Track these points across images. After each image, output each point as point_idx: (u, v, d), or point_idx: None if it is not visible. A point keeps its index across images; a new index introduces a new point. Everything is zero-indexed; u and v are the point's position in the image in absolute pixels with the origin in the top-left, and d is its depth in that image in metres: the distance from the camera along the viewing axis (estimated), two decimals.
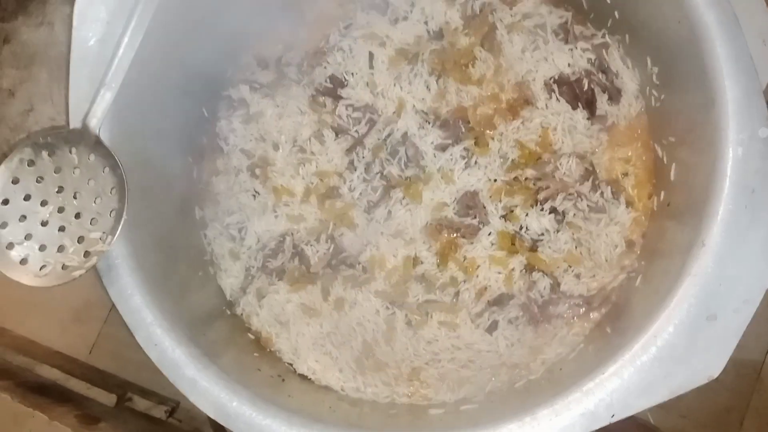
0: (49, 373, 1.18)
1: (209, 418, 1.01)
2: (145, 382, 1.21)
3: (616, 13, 0.84)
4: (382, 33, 0.91)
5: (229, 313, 0.88)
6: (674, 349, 0.64)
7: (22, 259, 0.67)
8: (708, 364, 0.64)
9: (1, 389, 1.09)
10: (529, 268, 0.85)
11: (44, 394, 1.16)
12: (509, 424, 0.65)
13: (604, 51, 0.87)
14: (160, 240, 0.81)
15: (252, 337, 0.87)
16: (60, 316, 1.26)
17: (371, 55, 0.91)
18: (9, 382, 1.13)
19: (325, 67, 0.92)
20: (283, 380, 0.82)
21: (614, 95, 0.86)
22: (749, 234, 0.65)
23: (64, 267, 0.68)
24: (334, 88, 0.91)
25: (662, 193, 0.81)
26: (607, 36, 0.87)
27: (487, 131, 0.88)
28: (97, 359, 1.25)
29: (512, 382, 0.82)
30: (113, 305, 1.27)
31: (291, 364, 0.86)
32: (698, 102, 0.71)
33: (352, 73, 0.91)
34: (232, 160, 0.92)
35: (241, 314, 0.89)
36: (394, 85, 0.90)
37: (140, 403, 1.14)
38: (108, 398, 1.17)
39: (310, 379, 0.85)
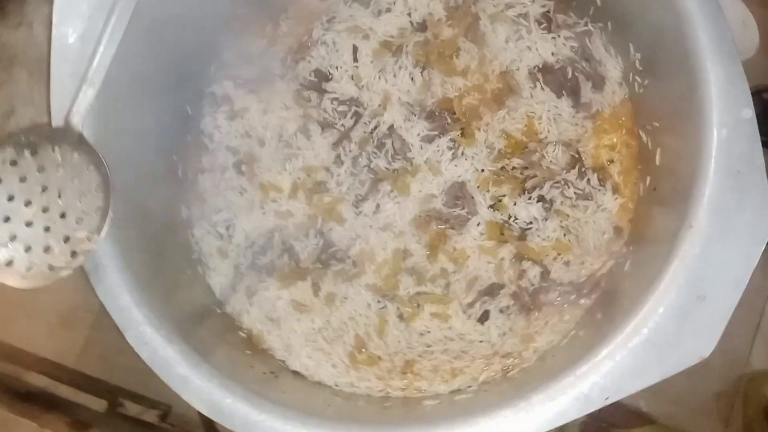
0: (36, 380, 1.17)
1: (202, 422, 1.01)
2: (135, 386, 1.20)
3: (598, 1, 0.84)
4: (365, 26, 0.91)
5: (219, 311, 0.88)
6: (665, 331, 0.65)
7: (8, 261, 0.66)
8: (699, 345, 0.64)
9: None
10: (519, 257, 0.85)
11: (32, 401, 1.14)
12: (504, 411, 0.65)
13: (587, 39, 0.88)
14: (147, 239, 0.80)
15: (243, 335, 0.87)
16: (46, 322, 1.25)
17: (355, 48, 0.90)
18: None
19: (309, 62, 0.91)
20: (277, 377, 0.81)
21: (598, 83, 0.87)
22: (736, 215, 0.66)
23: (50, 267, 0.67)
24: (318, 83, 0.91)
25: (648, 179, 0.82)
26: (589, 24, 0.87)
27: (473, 122, 0.88)
28: (85, 365, 1.24)
29: (505, 371, 0.82)
30: (100, 309, 1.26)
31: (283, 361, 0.86)
32: (682, 87, 0.72)
33: (337, 67, 0.91)
34: (217, 157, 0.92)
35: (232, 312, 0.88)
36: (379, 77, 0.90)
37: (131, 408, 1.13)
38: (98, 404, 1.15)
39: (303, 375, 0.85)
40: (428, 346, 0.85)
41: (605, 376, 0.64)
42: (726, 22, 0.69)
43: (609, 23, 0.85)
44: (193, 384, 0.69)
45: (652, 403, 1.17)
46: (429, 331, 0.85)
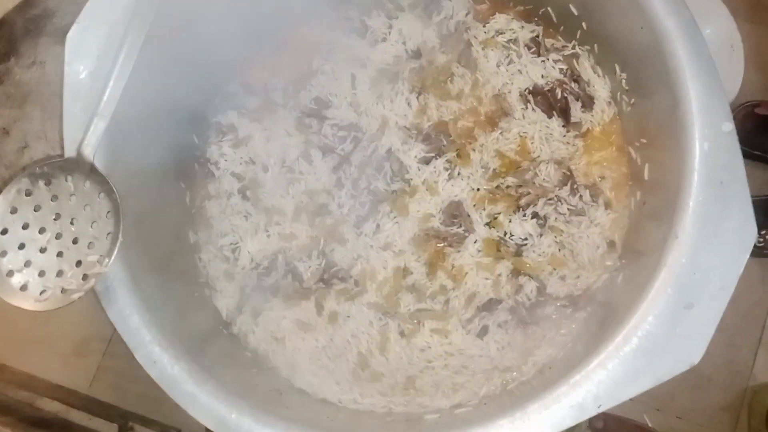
0: (50, 406, 1.20)
1: None
2: (145, 411, 1.23)
3: (584, 25, 0.88)
4: (362, 55, 0.95)
5: (226, 332, 0.90)
6: (655, 338, 0.66)
7: (23, 286, 0.69)
8: (689, 352, 0.65)
9: (3, 425, 1.10)
10: (515, 273, 0.87)
11: (46, 427, 1.17)
12: (500, 421, 0.67)
13: (574, 61, 0.91)
14: (157, 264, 0.83)
15: (249, 354, 0.89)
16: (60, 351, 1.28)
17: (353, 77, 0.94)
18: (10, 418, 1.14)
19: (309, 90, 0.96)
20: (281, 394, 0.83)
21: (587, 102, 0.90)
22: (721, 224, 0.68)
23: (63, 291, 0.70)
24: (319, 110, 0.94)
25: (638, 193, 0.84)
26: (577, 47, 0.91)
27: (468, 143, 0.91)
28: (97, 391, 1.27)
29: (505, 385, 0.83)
30: (112, 337, 1.29)
31: (288, 379, 0.88)
32: (665, 103, 0.75)
33: (336, 95, 0.94)
34: (223, 183, 0.95)
35: (238, 333, 0.90)
36: (377, 103, 0.93)
37: None
38: (109, 428, 1.18)
39: (307, 392, 0.86)
40: (429, 362, 0.86)
41: (598, 384, 0.66)
42: (703, 40, 0.72)
43: (595, 45, 0.89)
44: (200, 400, 0.71)
45: (656, 418, 1.18)
46: (430, 347, 0.87)
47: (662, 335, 0.66)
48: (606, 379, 0.66)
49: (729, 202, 0.68)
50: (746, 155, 1.22)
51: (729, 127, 0.69)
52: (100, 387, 1.27)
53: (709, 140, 0.69)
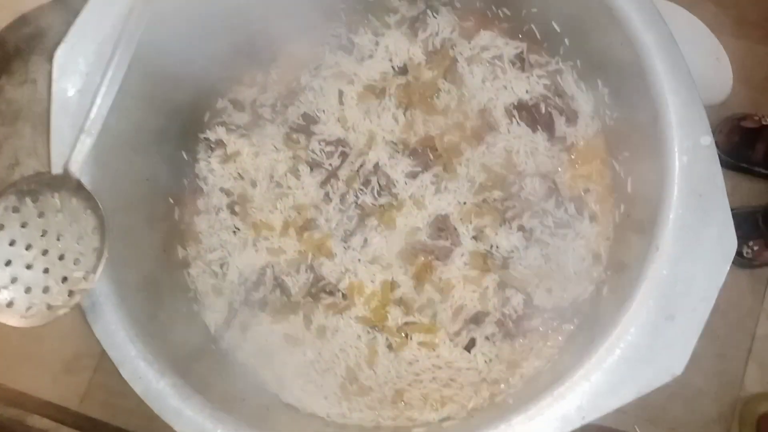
0: (40, 423, 1.19)
1: None
2: (136, 427, 1.22)
3: (566, 41, 0.89)
4: (350, 71, 0.96)
5: (214, 347, 0.90)
6: (637, 350, 0.67)
7: (9, 302, 0.69)
8: (671, 363, 0.66)
9: None
10: (502, 286, 0.88)
11: None
12: None
13: (558, 76, 0.92)
14: (144, 279, 0.83)
15: (237, 369, 0.89)
16: (50, 367, 1.27)
17: (341, 93, 0.95)
18: None
19: (297, 106, 0.97)
20: (268, 409, 0.84)
21: (571, 117, 0.91)
22: (701, 236, 0.69)
23: (49, 307, 0.70)
24: (306, 125, 0.95)
25: (622, 206, 0.85)
26: (560, 62, 0.92)
27: (455, 157, 0.92)
28: (88, 408, 1.26)
29: (493, 398, 0.84)
30: (102, 354, 1.29)
31: (276, 394, 0.88)
32: (645, 117, 0.76)
33: (324, 110, 0.95)
34: (212, 199, 0.96)
35: (226, 348, 0.91)
36: (364, 119, 0.94)
37: None
38: None
39: (295, 407, 0.87)
40: (417, 375, 0.87)
41: (582, 395, 0.66)
42: (681, 54, 0.73)
43: (578, 61, 0.90)
44: (186, 416, 0.71)
45: (649, 430, 1.18)
46: (417, 360, 0.87)
47: (644, 346, 0.67)
48: (589, 390, 0.66)
49: (709, 214, 0.69)
50: (733, 167, 1.25)
51: (708, 140, 0.70)
52: (91, 403, 1.27)
53: (688, 153, 0.70)
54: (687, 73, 0.72)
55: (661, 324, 0.67)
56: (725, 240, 0.68)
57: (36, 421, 1.16)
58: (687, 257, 0.68)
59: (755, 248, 1.21)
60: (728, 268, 0.68)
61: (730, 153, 1.25)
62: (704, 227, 0.69)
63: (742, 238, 1.12)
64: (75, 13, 0.79)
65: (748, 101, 1.31)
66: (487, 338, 0.87)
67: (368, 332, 0.88)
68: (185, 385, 0.72)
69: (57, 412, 1.22)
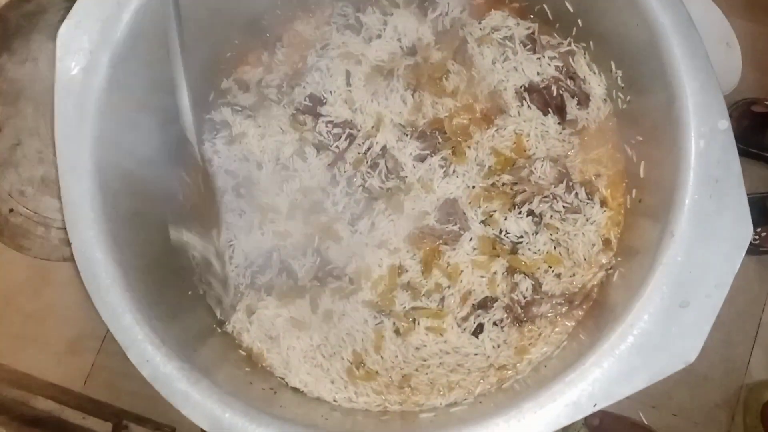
0: (44, 405, 1.19)
1: None
2: (140, 409, 1.22)
3: (579, 22, 0.87)
4: (357, 51, 0.94)
5: (219, 330, 0.90)
6: (650, 336, 0.66)
7: None
8: (684, 350, 0.65)
9: None
10: (511, 271, 0.87)
11: (39, 426, 1.16)
12: (495, 419, 0.67)
13: (570, 58, 0.91)
14: (149, 261, 0.82)
15: (243, 353, 0.89)
16: (54, 349, 1.27)
17: (348, 73, 0.94)
18: (3, 417, 1.14)
19: (304, 87, 0.95)
20: (276, 393, 0.83)
21: (583, 100, 0.90)
22: (716, 222, 0.68)
23: None
24: (313, 107, 0.94)
25: (634, 191, 0.84)
26: (572, 44, 0.91)
27: (464, 140, 0.91)
28: (91, 389, 1.26)
29: (500, 383, 0.84)
30: (106, 336, 1.29)
31: (283, 378, 0.87)
32: (661, 101, 0.75)
33: (331, 91, 0.94)
34: (217, 181, 0.94)
35: (232, 331, 0.90)
36: (372, 100, 0.93)
37: (136, 431, 1.15)
38: (103, 427, 1.17)
39: (302, 391, 0.86)
40: (424, 360, 0.86)
41: (593, 383, 0.66)
42: (699, 37, 0.71)
43: (591, 42, 0.88)
44: (193, 399, 0.70)
45: (653, 416, 1.18)
46: (425, 345, 0.86)
47: (658, 334, 0.66)
48: (601, 377, 0.66)
49: (725, 200, 0.68)
50: (742, 153, 1.22)
51: (725, 124, 0.69)
52: (95, 385, 1.27)
53: (704, 138, 0.69)
54: (705, 57, 0.71)
55: (675, 311, 0.66)
56: (741, 226, 0.68)
57: (40, 402, 1.16)
58: (702, 243, 0.68)
59: (763, 234, 1.20)
60: (743, 254, 0.67)
61: (739, 138, 1.21)
62: (719, 213, 0.68)
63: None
64: None
65: (758, 86, 1.29)
66: (495, 324, 0.86)
67: (375, 317, 0.88)
68: (193, 369, 0.72)
69: (61, 394, 1.22)
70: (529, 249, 0.87)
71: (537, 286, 0.86)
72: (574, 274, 0.86)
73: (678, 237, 0.68)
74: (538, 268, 0.87)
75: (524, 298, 0.86)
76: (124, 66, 0.77)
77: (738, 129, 1.23)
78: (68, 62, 0.75)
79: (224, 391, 0.72)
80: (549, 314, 0.86)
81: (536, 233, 0.87)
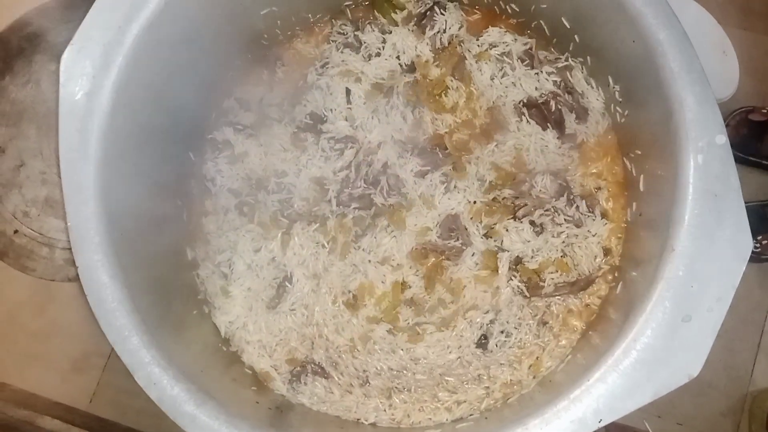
0: (50, 425, 1.19)
1: None
2: (146, 427, 1.22)
3: (576, 37, 0.88)
4: (357, 69, 0.95)
5: (225, 349, 0.90)
6: (654, 351, 0.67)
7: None
8: (687, 364, 0.66)
9: None
10: (513, 285, 0.87)
11: None
12: None
13: (568, 73, 0.91)
14: (154, 282, 0.83)
15: (248, 371, 0.89)
16: (59, 367, 1.27)
17: (348, 91, 0.95)
18: None
19: (304, 105, 0.96)
20: (282, 411, 0.83)
21: (581, 114, 0.90)
22: (716, 235, 0.68)
23: None
24: (314, 125, 0.95)
25: (634, 204, 0.85)
26: (570, 59, 0.91)
27: (464, 156, 0.91)
28: (97, 408, 1.26)
29: (506, 398, 0.84)
30: (111, 354, 1.29)
31: (288, 396, 0.88)
32: (658, 115, 0.75)
33: (331, 109, 0.95)
34: (220, 200, 0.95)
35: (237, 350, 0.90)
36: (372, 117, 0.93)
37: None
38: None
39: (308, 407, 0.87)
40: (430, 371, 0.86)
41: (598, 398, 0.66)
42: (694, 52, 0.72)
43: (588, 57, 0.89)
44: (201, 422, 0.71)
45: (657, 425, 1.18)
46: (429, 361, 0.87)
47: (661, 348, 0.67)
48: (606, 393, 0.66)
49: (724, 214, 0.69)
50: (740, 161, 1.24)
51: (722, 139, 0.70)
52: (100, 403, 1.27)
53: (703, 153, 0.70)
54: (701, 71, 0.72)
55: (678, 325, 0.67)
56: (740, 240, 0.68)
57: (46, 422, 1.16)
58: (702, 257, 0.68)
59: (763, 242, 1.20)
60: (744, 268, 0.68)
61: (737, 146, 1.23)
62: (719, 227, 0.69)
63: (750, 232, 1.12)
64: (77, 12, 0.78)
65: (755, 94, 1.29)
66: (499, 338, 0.86)
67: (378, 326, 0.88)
68: (199, 390, 0.72)
69: (67, 413, 1.22)
70: (533, 258, 0.87)
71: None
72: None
73: (679, 251, 0.68)
74: (542, 281, 0.87)
75: (528, 311, 0.87)
76: (126, 89, 0.78)
77: (736, 137, 1.25)
78: (72, 87, 0.76)
79: (231, 413, 0.72)
80: (553, 327, 0.86)
81: (538, 247, 0.87)
